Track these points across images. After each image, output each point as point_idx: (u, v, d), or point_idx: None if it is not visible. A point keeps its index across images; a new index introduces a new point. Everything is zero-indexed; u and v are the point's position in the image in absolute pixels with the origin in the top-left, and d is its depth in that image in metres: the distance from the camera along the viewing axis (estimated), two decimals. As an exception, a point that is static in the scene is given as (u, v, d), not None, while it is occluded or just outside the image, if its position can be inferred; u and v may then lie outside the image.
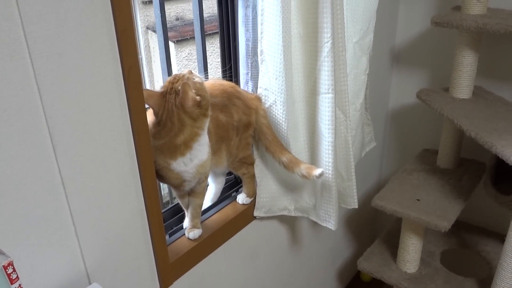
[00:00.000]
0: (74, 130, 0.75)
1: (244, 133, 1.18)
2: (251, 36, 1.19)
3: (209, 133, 1.05)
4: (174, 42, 3.20)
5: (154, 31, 3.27)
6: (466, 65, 1.48)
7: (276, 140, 1.21)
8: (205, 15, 1.16)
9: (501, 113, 1.43)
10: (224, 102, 1.12)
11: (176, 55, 3.30)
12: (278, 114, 1.19)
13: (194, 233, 1.10)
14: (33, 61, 0.67)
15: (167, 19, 1.08)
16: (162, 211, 1.19)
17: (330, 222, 1.33)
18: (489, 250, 1.68)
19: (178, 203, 1.17)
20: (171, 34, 3.14)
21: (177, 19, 3.33)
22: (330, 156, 1.23)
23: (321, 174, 1.15)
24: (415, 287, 1.52)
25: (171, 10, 3.30)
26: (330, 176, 1.25)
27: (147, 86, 4.07)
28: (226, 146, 1.14)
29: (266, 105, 1.19)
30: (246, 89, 1.26)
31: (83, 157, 0.78)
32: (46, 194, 0.74)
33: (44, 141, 0.71)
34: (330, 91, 1.17)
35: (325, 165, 1.25)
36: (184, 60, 3.38)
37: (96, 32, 0.74)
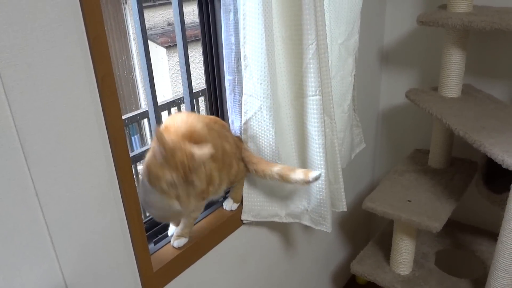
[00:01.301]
0: (46, 140, 0.74)
1: (241, 161, 1.19)
2: (235, 40, 1.18)
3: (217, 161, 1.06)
4: (165, 47, 3.16)
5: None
6: (454, 64, 1.47)
7: (261, 159, 1.20)
8: (196, 20, 1.15)
9: (490, 111, 1.42)
10: (221, 131, 1.14)
11: (168, 60, 3.27)
12: (264, 120, 1.17)
13: (180, 242, 1.08)
14: (0, 71, 0.66)
15: (159, 24, 1.07)
16: (147, 219, 1.17)
17: (325, 224, 1.31)
18: (484, 249, 1.66)
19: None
20: (163, 39, 3.12)
21: (169, 24, 3.30)
22: (321, 158, 1.22)
23: (316, 178, 1.12)
24: (409, 289, 1.50)
25: (163, 15, 3.27)
26: (322, 178, 1.23)
27: (141, 92, 4.05)
28: (227, 174, 1.13)
29: (251, 113, 1.18)
30: (232, 96, 1.24)
31: (57, 167, 0.76)
32: (19, 205, 0.72)
33: (15, 151, 0.70)
34: (317, 93, 1.17)
35: (317, 168, 1.24)
36: (177, 65, 3.35)
37: (66, 40, 0.73)
